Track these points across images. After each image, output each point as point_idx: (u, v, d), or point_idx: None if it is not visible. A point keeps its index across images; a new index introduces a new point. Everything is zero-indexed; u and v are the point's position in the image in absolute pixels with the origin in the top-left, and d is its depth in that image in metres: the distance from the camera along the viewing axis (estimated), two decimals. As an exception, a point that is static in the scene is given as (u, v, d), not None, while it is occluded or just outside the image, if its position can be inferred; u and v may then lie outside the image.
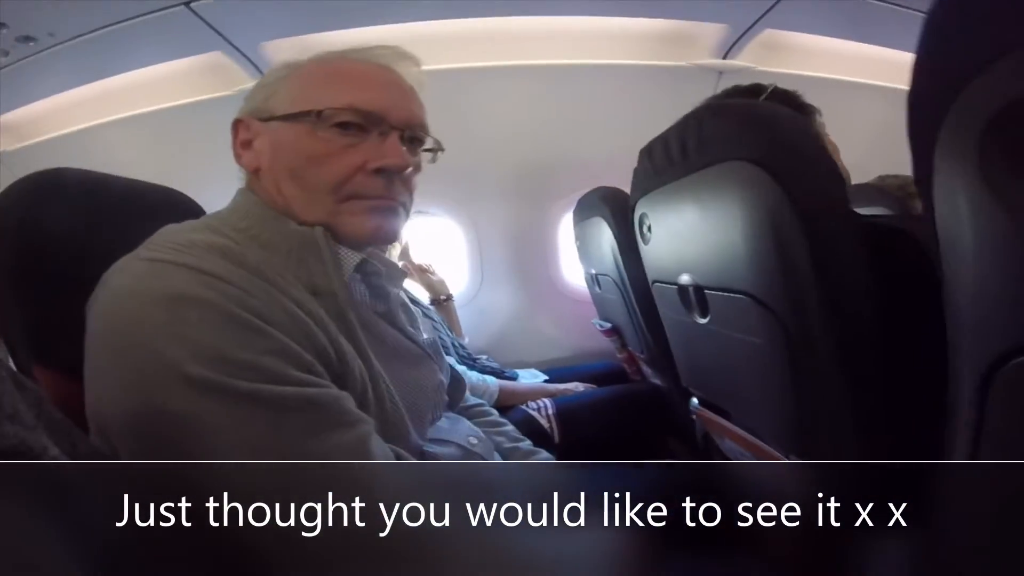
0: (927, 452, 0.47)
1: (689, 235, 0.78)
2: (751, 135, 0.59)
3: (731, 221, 0.65)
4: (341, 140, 0.55)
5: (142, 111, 1.53)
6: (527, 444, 0.91)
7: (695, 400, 1.04)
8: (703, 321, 0.82)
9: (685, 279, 0.82)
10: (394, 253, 1.49)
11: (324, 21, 1.31)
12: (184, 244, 0.46)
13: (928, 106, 0.35)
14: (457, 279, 1.96)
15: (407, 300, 0.81)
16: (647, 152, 0.88)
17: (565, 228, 1.88)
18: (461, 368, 1.37)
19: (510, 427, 0.94)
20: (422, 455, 0.63)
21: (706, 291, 0.76)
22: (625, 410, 1.42)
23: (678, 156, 0.75)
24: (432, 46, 1.49)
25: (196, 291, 0.42)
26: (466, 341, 1.66)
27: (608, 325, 1.55)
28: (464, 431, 0.74)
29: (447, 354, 1.43)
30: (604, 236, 1.25)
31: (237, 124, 0.59)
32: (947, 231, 0.36)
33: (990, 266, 0.33)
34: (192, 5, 1.19)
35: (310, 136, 0.55)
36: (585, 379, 1.58)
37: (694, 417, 1.08)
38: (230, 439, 0.40)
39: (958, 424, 0.41)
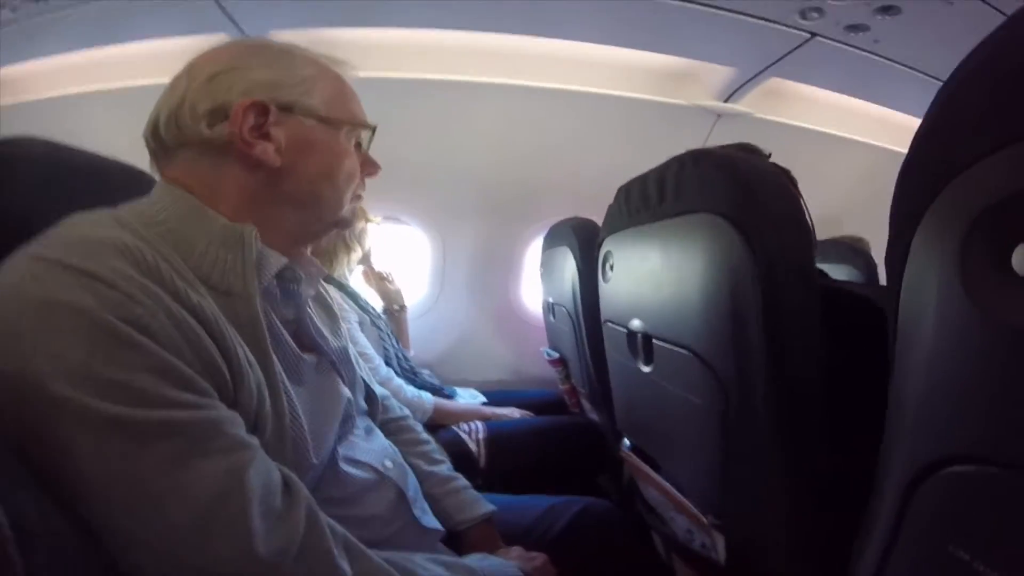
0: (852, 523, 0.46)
1: (649, 281, 0.76)
2: (727, 188, 0.58)
3: (692, 275, 0.63)
4: (352, 148, 0.60)
5: (138, 84, 1.45)
6: (446, 468, 0.88)
7: (627, 442, 1.03)
8: (646, 370, 0.80)
9: (636, 324, 0.80)
10: (354, 257, 1.44)
11: (335, 17, 1.27)
12: (77, 240, 0.42)
13: (919, 187, 0.33)
14: (415, 291, 1.91)
15: (332, 304, 0.77)
16: (624, 191, 0.86)
17: (533, 253, 1.87)
18: (399, 382, 1.34)
19: (433, 447, 0.92)
20: (331, 471, 0.60)
21: (654, 340, 0.75)
22: (558, 442, 1.39)
23: (655, 200, 0.74)
24: (432, 55, 1.47)
25: (72, 296, 0.38)
26: (411, 354, 1.61)
27: (556, 355, 1.53)
28: (380, 452, 0.70)
29: (388, 364, 1.38)
30: (568, 267, 1.24)
31: (253, 106, 0.52)
32: (908, 319, 0.34)
33: (946, 364, 0.31)
34: None
35: (343, 142, 0.58)
36: (523, 406, 1.55)
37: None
38: (96, 464, 0.37)
39: (873, 534, 0.40)
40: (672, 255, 0.69)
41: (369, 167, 0.64)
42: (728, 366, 0.59)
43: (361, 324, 1.30)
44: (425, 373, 1.55)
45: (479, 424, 1.32)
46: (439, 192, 1.75)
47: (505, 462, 1.26)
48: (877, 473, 0.39)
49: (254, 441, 0.45)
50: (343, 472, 0.61)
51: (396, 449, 0.75)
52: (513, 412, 1.48)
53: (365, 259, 1.55)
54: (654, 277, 0.74)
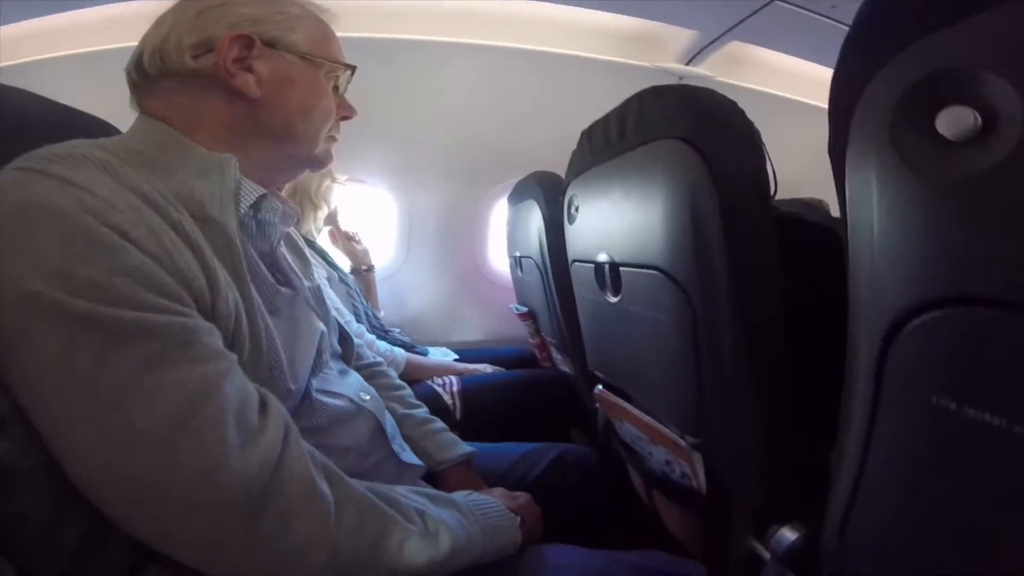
0: (827, 439, 0.47)
1: (612, 214, 0.76)
2: (685, 113, 0.58)
3: (653, 198, 0.63)
4: (330, 89, 0.62)
5: (105, 48, 1.36)
6: (423, 411, 0.89)
7: (600, 386, 1.02)
8: (614, 300, 0.80)
9: (602, 257, 0.79)
10: (320, 215, 1.39)
11: None
12: (60, 154, 0.42)
13: (849, 81, 0.35)
14: (382, 252, 1.87)
15: (304, 246, 0.76)
16: (587, 134, 0.86)
17: (499, 214, 1.84)
18: (370, 337, 1.31)
19: (408, 392, 0.93)
20: (307, 401, 0.59)
21: (621, 268, 0.74)
22: (531, 394, 1.40)
23: (616, 136, 0.74)
24: (395, 16, 1.42)
25: (52, 199, 0.37)
26: (382, 315, 1.58)
27: (524, 309, 1.52)
28: (355, 386, 0.69)
29: (359, 321, 1.35)
30: (534, 218, 1.22)
31: (238, 38, 0.53)
32: (855, 194, 0.36)
33: (892, 223, 0.33)
34: None
35: (323, 81, 0.60)
36: (495, 362, 1.56)
37: (597, 406, 1.07)
38: (60, 366, 0.35)
39: (855, 400, 0.40)
40: (633, 184, 0.69)
41: (345, 110, 0.65)
42: (692, 280, 0.60)
43: (329, 280, 1.28)
44: (396, 332, 1.53)
45: (452, 378, 1.31)
46: (403, 153, 1.72)
47: (480, 414, 1.26)
48: (847, 352, 0.39)
49: (231, 355, 0.43)
50: (318, 401, 0.60)
51: (372, 387, 0.74)
52: (485, 368, 1.48)
53: (331, 219, 1.52)
54: (617, 209, 0.74)
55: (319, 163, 0.63)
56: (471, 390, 1.30)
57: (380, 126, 1.62)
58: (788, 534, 0.59)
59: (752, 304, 0.56)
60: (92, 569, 0.37)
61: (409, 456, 0.73)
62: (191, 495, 0.37)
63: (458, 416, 1.24)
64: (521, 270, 1.48)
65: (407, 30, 1.44)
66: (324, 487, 0.45)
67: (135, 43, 0.55)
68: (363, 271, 1.65)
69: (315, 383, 0.61)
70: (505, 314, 1.72)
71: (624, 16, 1.45)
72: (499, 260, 1.91)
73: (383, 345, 1.33)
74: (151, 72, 0.53)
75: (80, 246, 0.37)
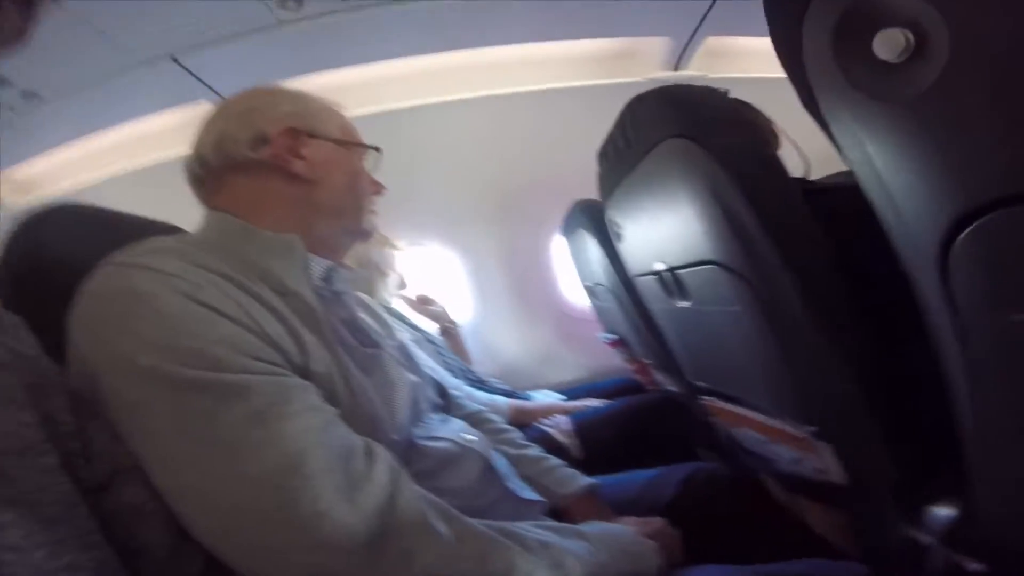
0: (934, 382, 0.43)
1: (651, 223, 0.75)
2: (672, 111, 0.59)
3: (679, 198, 0.63)
4: (363, 168, 0.70)
5: (143, 164, 1.59)
6: (535, 450, 0.86)
7: (705, 395, 0.97)
8: (686, 304, 0.77)
9: (658, 266, 0.77)
10: (389, 282, 1.48)
11: (298, 66, 1.37)
12: (145, 249, 0.48)
13: (785, 27, 0.35)
14: (462, 308, 1.94)
15: (381, 312, 0.80)
16: (602, 154, 0.87)
17: (559, 248, 1.86)
18: (468, 389, 1.32)
19: (516, 434, 0.90)
20: (411, 449, 0.60)
21: (677, 272, 0.72)
22: (646, 420, 1.33)
23: (624, 147, 0.75)
24: (395, 85, 1.54)
25: (148, 286, 0.43)
26: (477, 369, 1.60)
27: (613, 336, 1.49)
28: (457, 428, 0.70)
29: (454, 376, 1.38)
30: (589, 246, 1.22)
31: (288, 131, 0.61)
32: (842, 138, 0.35)
33: (886, 154, 0.31)
34: (177, 58, 1.27)
35: (355, 161, 0.68)
36: (600, 396, 1.50)
37: (713, 418, 1.01)
38: (176, 426, 0.40)
39: (940, 332, 0.36)
40: (657, 190, 0.69)
41: (375, 186, 0.72)
42: (746, 266, 0.58)
43: (416, 342, 1.30)
44: (494, 381, 1.53)
45: (562, 417, 1.28)
46: (447, 210, 1.82)
47: (599, 449, 1.19)
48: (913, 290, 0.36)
49: (331, 408, 0.47)
50: (422, 446, 0.61)
51: (473, 429, 0.74)
52: (592, 402, 1.43)
53: (401, 285, 1.58)
54: (653, 217, 0.74)
55: (367, 234, 0.70)
56: (584, 426, 1.26)
57: (423, 188, 1.73)
58: (942, 512, 0.53)
59: (808, 276, 0.53)
60: None
61: (528, 493, 0.71)
62: (303, 538, 0.38)
63: (576, 453, 1.21)
64: (597, 298, 1.47)
65: (416, 96, 1.58)
66: (440, 524, 0.45)
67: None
68: (448, 328, 1.69)
69: (416, 432, 0.63)
70: (597, 346, 1.69)
71: (598, 40, 1.49)
72: (574, 294, 1.90)
73: (483, 395, 1.33)
74: (215, 165, 0.61)
75: (180, 324, 0.42)
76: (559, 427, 1.24)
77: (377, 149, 0.71)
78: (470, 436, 0.69)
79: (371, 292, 1.39)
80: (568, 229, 1.41)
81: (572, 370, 1.89)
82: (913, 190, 0.29)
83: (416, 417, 0.65)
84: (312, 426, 0.42)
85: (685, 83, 0.62)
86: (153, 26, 1.18)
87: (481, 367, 1.67)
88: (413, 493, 0.46)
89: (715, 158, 0.54)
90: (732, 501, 0.85)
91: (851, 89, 0.30)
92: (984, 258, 0.28)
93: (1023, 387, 0.30)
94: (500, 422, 0.91)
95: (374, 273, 1.42)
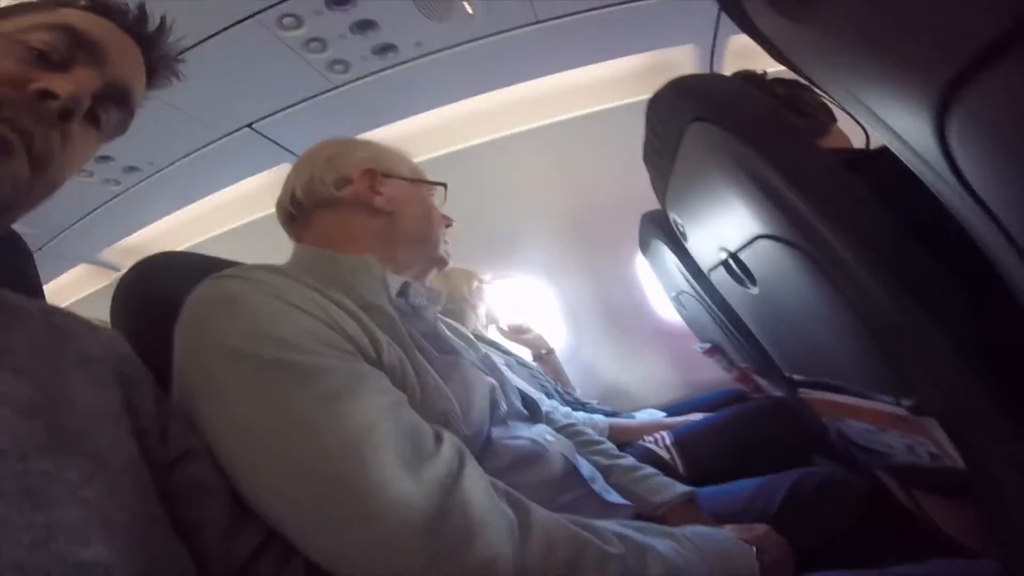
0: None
1: (703, 213, 0.76)
2: (685, 98, 0.62)
3: (716, 181, 0.64)
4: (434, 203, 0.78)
5: (235, 225, 1.78)
6: (630, 460, 0.85)
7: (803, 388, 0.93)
8: (757, 291, 0.76)
9: (722, 254, 0.78)
10: (481, 313, 1.57)
11: (361, 122, 1.53)
12: (240, 268, 0.55)
13: None
14: (555, 335, 1.97)
15: (469, 334, 0.85)
16: (645, 159, 0.90)
17: (643, 266, 1.84)
18: (566, 409, 1.33)
19: (609, 445, 0.89)
20: (487, 446, 0.62)
21: (739, 254, 0.72)
22: (752, 428, 1.26)
23: (659, 146, 0.77)
24: (461, 127, 1.68)
25: (239, 290, 0.50)
26: (578, 393, 1.62)
27: (708, 345, 1.45)
28: (539, 431, 0.71)
29: (550, 398, 1.40)
30: (665, 255, 1.22)
31: (368, 171, 0.71)
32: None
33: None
34: (254, 126, 1.45)
35: (426, 197, 0.77)
36: (704, 410, 1.45)
37: (823, 418, 0.95)
38: (256, 403, 0.43)
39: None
40: (696, 179, 0.70)
41: (445, 219, 0.80)
42: (789, 231, 0.57)
43: (509, 367, 1.35)
44: (594, 403, 1.53)
45: (663, 433, 1.25)
46: (529, 239, 1.90)
47: (704, 462, 1.15)
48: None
49: (402, 393, 0.50)
50: (499, 444, 0.63)
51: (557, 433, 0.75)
52: (694, 416, 1.39)
53: (492, 318, 1.65)
54: (703, 206, 0.74)
55: (442, 261, 0.77)
56: (687, 439, 1.22)
57: (499, 223, 1.84)
58: None
59: (857, 233, 0.51)
60: None
61: (615, 497, 0.69)
62: (365, 508, 0.39)
63: (680, 469, 1.17)
64: (684, 307, 1.44)
65: (481, 135, 1.68)
66: (506, 507, 0.44)
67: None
68: (544, 355, 1.72)
69: (495, 431, 0.64)
70: (697, 360, 1.64)
71: (633, 57, 1.52)
72: (666, 311, 1.86)
73: (581, 415, 1.33)
74: (305, 204, 0.70)
75: (267, 316, 0.47)
76: (660, 442, 1.22)
77: (444, 185, 0.80)
78: (551, 437, 0.70)
79: (463, 322, 1.49)
80: (644, 243, 1.42)
81: (675, 388, 1.84)
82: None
83: (495, 419, 0.66)
84: (383, 404, 0.45)
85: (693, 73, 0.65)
86: (229, 101, 1.37)
87: (582, 392, 1.68)
88: (480, 474, 0.46)
89: (732, 133, 0.55)
90: (848, 506, 0.79)
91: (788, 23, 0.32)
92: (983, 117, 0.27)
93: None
94: (594, 435, 0.90)
95: (465, 307, 1.52)
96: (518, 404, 0.77)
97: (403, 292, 0.67)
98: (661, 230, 1.17)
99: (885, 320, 0.55)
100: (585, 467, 0.70)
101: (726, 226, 0.72)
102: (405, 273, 0.71)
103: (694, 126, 0.61)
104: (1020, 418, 0.50)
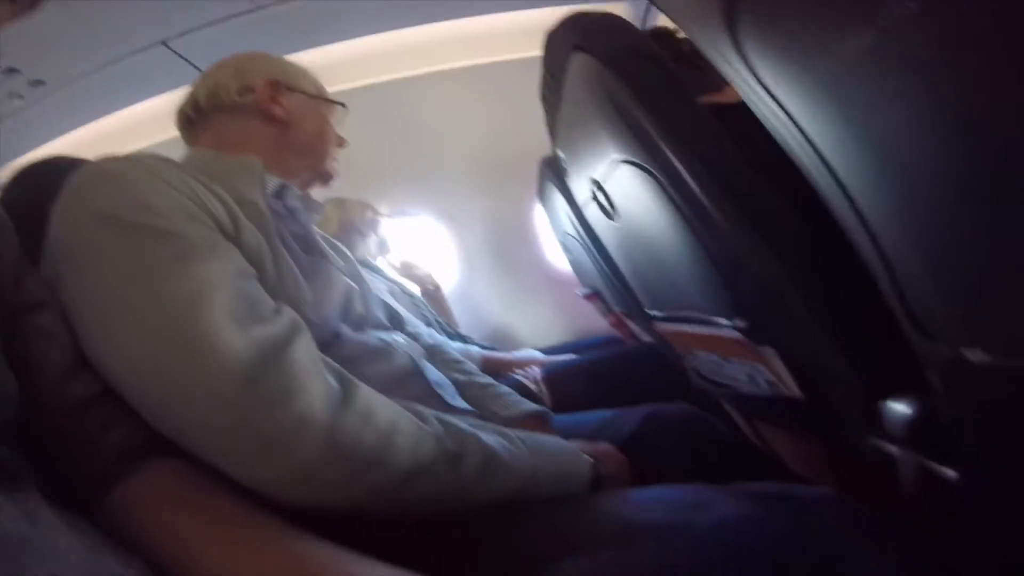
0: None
1: (579, 145, 0.78)
2: (567, 30, 0.66)
3: (589, 111, 0.66)
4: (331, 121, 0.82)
5: (142, 147, 1.70)
6: (486, 379, 0.86)
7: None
8: (620, 223, 0.80)
9: (592, 187, 0.80)
10: (370, 243, 1.55)
11: (280, 46, 1.42)
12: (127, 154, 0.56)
13: None
14: (447, 275, 1.99)
15: (349, 255, 0.85)
16: (542, 98, 0.92)
17: (541, 215, 1.88)
18: (442, 339, 1.34)
19: (470, 366, 0.90)
20: (333, 338, 0.63)
21: (603, 184, 0.75)
22: (622, 371, 1.33)
23: (551, 82, 0.79)
24: (383, 60, 1.62)
25: (119, 167, 0.51)
26: (461, 330, 1.65)
27: (588, 291, 1.51)
28: (390, 335, 0.72)
29: (428, 326, 1.41)
30: (556, 198, 1.25)
31: (271, 82, 0.74)
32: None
33: None
34: (168, 43, 1.40)
35: (325, 114, 0.81)
36: (580, 353, 1.51)
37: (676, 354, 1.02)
38: (113, 258, 0.45)
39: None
40: (574, 111, 0.74)
41: (339, 140, 0.84)
42: (648, 157, 0.60)
43: (392, 294, 1.35)
44: (475, 339, 1.55)
45: (535, 367, 1.30)
46: (437, 179, 1.89)
47: (570, 399, 1.19)
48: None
49: (251, 268, 0.52)
50: (345, 336, 0.64)
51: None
52: (569, 357, 1.44)
53: (383, 249, 1.64)
54: (579, 137, 0.78)
55: (327, 176, 0.81)
56: (557, 376, 1.26)
57: (408, 160, 1.82)
58: (899, 409, 0.49)
59: (702, 161, 0.54)
60: (92, 423, 0.42)
61: (459, 402, 0.71)
62: (194, 355, 0.41)
63: (548, 403, 1.21)
64: (570, 252, 1.49)
65: (406, 68, 1.64)
66: (331, 379, 0.45)
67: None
68: (431, 291, 1.77)
69: (347, 328, 0.65)
70: (585, 308, 1.71)
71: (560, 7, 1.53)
72: (559, 260, 1.92)
73: (457, 344, 1.35)
74: (206, 108, 0.74)
75: (135, 186, 0.49)
76: (531, 376, 1.26)
77: (343, 105, 0.84)
78: (400, 339, 0.71)
79: (352, 249, 1.44)
80: (540, 188, 1.44)
81: (560, 334, 1.92)
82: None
83: (348, 319, 0.67)
84: (227, 270, 0.47)
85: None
86: (142, 16, 1.29)
87: (468, 331, 1.71)
88: (311, 346, 0.47)
89: (601, 59, 0.58)
90: (698, 440, 0.83)
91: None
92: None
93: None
94: (456, 355, 0.91)
95: (354, 234, 1.49)
96: (379, 315, 0.78)
97: (280, 193, 0.70)
98: (553, 173, 1.19)
99: (723, 244, 0.59)
100: (433, 373, 0.72)
101: (594, 156, 0.74)
102: (291, 181, 0.73)
103: (574, 57, 0.63)
104: (851, 345, 0.55)
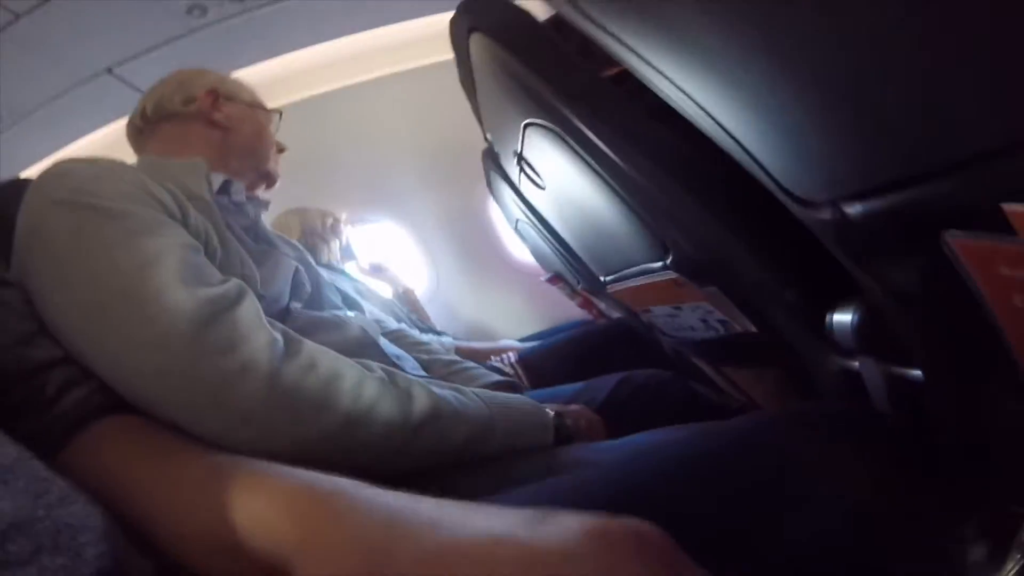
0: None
1: (496, 122, 0.81)
2: (462, 15, 0.70)
3: (493, 88, 0.69)
4: (270, 127, 0.89)
5: None
6: (451, 356, 0.88)
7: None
8: (546, 188, 0.81)
9: (516, 159, 0.82)
10: (334, 247, 1.58)
11: (218, 67, 1.44)
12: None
13: None
14: (417, 277, 2.02)
15: (296, 243, 0.90)
16: (462, 85, 0.92)
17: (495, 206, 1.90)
18: (414, 332, 1.34)
19: (434, 347, 0.93)
20: (283, 314, 0.65)
21: (524, 155, 0.77)
22: (594, 348, 1.35)
23: (461, 66, 0.82)
24: (328, 70, 1.67)
25: (76, 166, 0.55)
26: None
27: (550, 273, 1.52)
28: (346, 313, 0.75)
29: (398, 321, 1.41)
30: (502, 186, 1.26)
31: (212, 91, 0.82)
32: None
33: None
34: (113, 71, 1.44)
35: (264, 121, 0.88)
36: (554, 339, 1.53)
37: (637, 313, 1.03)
38: (67, 234, 0.48)
39: None
40: (484, 91, 0.77)
41: (279, 145, 0.91)
42: (539, 111, 0.62)
43: (360, 294, 1.36)
44: (449, 333, 1.56)
45: (509, 353, 1.31)
46: (391, 184, 1.91)
47: (546, 379, 1.20)
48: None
49: (199, 244, 0.54)
50: (295, 310, 0.66)
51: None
52: (541, 343, 1.46)
53: (348, 254, 1.73)
54: (494, 115, 0.81)
55: (270, 177, 0.87)
56: (531, 359, 1.28)
57: (362, 166, 1.85)
58: (843, 318, 0.49)
59: (595, 112, 0.57)
60: (51, 385, 0.43)
61: (421, 373, 0.72)
62: (143, 311, 0.43)
63: (526, 384, 1.22)
64: (524, 238, 1.50)
65: (350, 77, 1.68)
66: (276, 334, 0.48)
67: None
68: (402, 293, 1.79)
69: (296, 304, 0.68)
70: (555, 295, 1.72)
71: None
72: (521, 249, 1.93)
73: (430, 336, 1.35)
74: (152, 118, 0.80)
75: (89, 178, 0.52)
76: (505, 360, 1.27)
77: (279, 113, 0.92)
78: (351, 313, 0.74)
79: (316, 257, 1.47)
80: (487, 180, 1.46)
81: (534, 324, 1.93)
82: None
83: (297, 296, 0.70)
84: (176, 242, 0.50)
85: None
86: (87, 45, 1.34)
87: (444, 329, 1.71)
88: (257, 307, 0.49)
89: (492, 36, 0.62)
90: (673, 402, 0.85)
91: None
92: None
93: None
94: (419, 336, 0.95)
95: (318, 241, 1.54)
96: (334, 299, 0.80)
97: (225, 189, 0.75)
98: (492, 160, 1.20)
99: (627, 185, 0.61)
100: (391, 347, 0.73)
101: (508, 128, 0.76)
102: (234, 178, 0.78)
103: (472, 39, 0.67)
104: (778, 264, 0.55)
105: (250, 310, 0.48)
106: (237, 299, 0.48)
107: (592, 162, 0.61)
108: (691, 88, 0.38)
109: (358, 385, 0.48)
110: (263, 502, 0.34)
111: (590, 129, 0.56)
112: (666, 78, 0.40)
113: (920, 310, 0.40)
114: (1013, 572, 0.40)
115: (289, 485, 0.35)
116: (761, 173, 0.41)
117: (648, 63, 0.40)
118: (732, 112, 0.37)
